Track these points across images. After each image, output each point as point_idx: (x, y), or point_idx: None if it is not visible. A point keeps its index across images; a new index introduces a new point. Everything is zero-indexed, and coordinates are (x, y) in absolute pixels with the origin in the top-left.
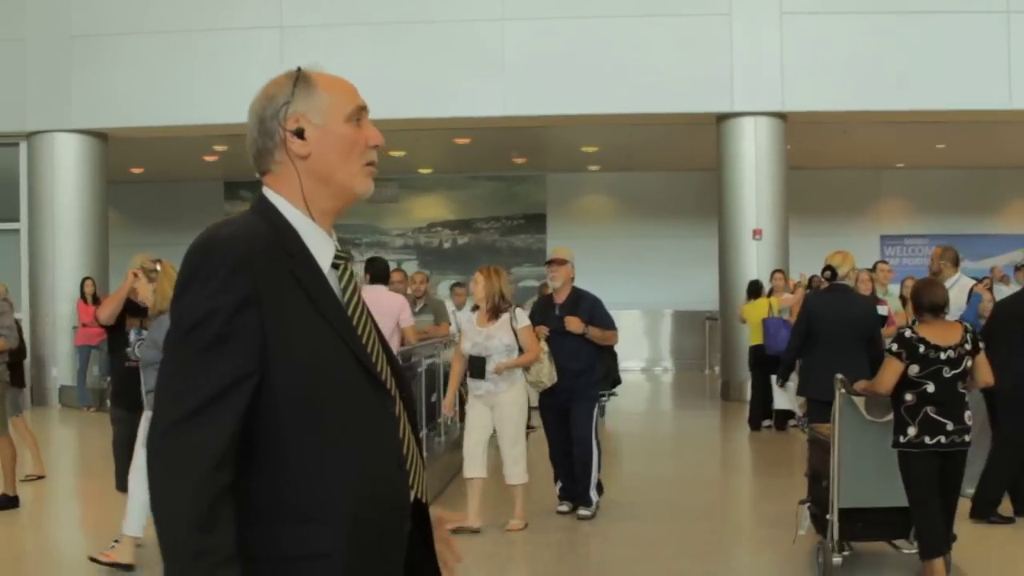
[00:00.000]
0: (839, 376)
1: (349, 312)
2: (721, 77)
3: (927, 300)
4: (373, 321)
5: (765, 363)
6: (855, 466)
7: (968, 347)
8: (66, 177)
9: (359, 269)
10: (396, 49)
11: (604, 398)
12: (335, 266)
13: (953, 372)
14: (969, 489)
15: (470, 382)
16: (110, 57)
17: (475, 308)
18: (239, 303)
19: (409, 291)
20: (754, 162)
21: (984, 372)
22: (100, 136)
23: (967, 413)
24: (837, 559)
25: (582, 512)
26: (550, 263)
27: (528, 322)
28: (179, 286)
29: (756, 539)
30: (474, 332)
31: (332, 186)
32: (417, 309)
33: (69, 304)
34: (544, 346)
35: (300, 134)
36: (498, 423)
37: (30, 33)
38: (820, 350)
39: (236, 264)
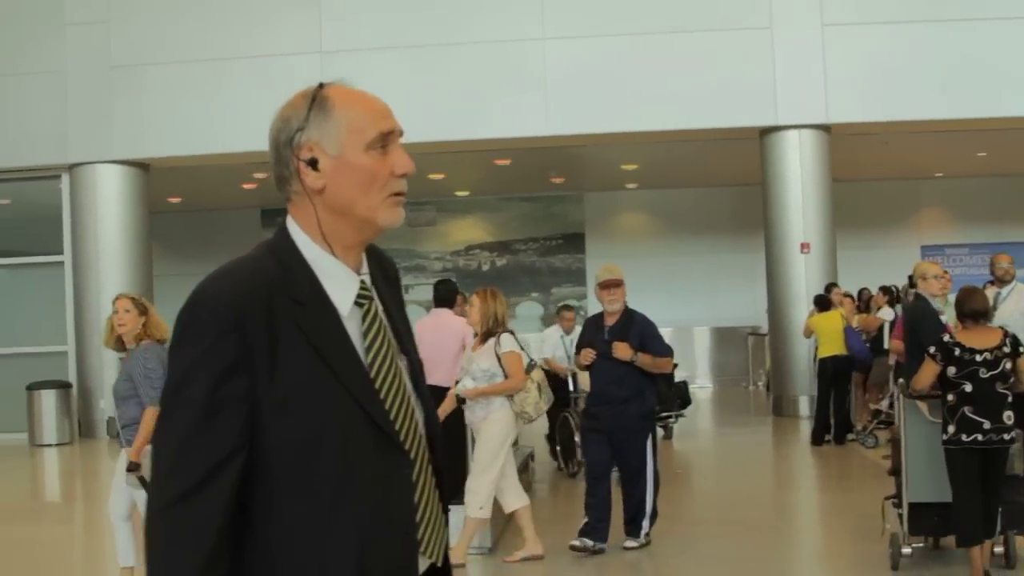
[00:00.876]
0: (900, 380)
1: (370, 358)
2: (764, 90)
3: (968, 308)
4: (407, 362)
5: (845, 372)
6: (922, 463)
7: (1007, 350)
8: (108, 208)
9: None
10: (437, 71)
11: (672, 420)
12: (359, 304)
13: (991, 373)
14: None
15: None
16: (150, 87)
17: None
18: (226, 370)
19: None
20: (799, 175)
21: None
22: (142, 166)
23: (1007, 413)
24: (907, 550)
25: (629, 543)
26: (605, 285)
27: (513, 347)
28: (172, 343)
29: (832, 554)
30: (466, 357)
31: (352, 219)
32: None
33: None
34: (533, 376)
35: (314, 164)
36: (475, 448)
37: (70, 65)
38: (911, 360)
39: (225, 326)
